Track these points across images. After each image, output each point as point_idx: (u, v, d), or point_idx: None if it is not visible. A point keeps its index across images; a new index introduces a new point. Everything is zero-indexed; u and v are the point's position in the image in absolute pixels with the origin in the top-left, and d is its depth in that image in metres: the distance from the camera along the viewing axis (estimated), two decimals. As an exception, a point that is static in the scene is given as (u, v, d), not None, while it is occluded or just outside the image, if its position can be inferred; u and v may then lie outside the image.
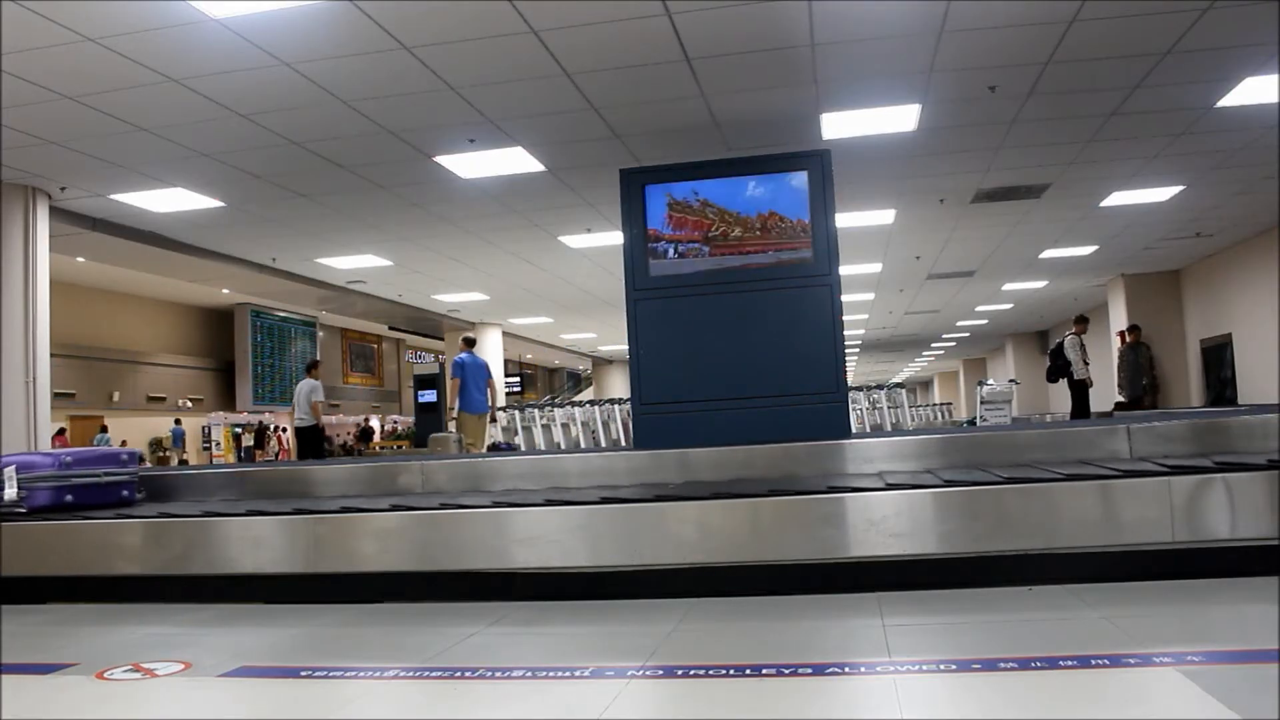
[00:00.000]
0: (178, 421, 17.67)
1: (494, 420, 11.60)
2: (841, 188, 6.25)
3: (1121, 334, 15.72)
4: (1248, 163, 8.56)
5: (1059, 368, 11.11)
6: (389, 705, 2.50)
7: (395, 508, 3.82)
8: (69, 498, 4.60)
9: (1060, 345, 11.14)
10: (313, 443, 11.24)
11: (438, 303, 15.05)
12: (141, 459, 5.55)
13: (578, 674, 2.57)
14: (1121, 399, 14.03)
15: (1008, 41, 5.61)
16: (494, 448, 11.16)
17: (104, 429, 16.41)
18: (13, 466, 4.51)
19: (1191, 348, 15.22)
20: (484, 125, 6.66)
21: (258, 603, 3.82)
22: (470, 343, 10.96)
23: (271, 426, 19.46)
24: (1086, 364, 10.92)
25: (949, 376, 42.94)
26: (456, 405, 10.24)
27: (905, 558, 3.34)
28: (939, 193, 9.18)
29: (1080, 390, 10.95)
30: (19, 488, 4.45)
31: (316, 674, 2.69)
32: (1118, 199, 9.78)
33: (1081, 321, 11.32)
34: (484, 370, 10.52)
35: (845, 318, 5.62)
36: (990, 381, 14.06)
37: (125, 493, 4.87)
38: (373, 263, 11.43)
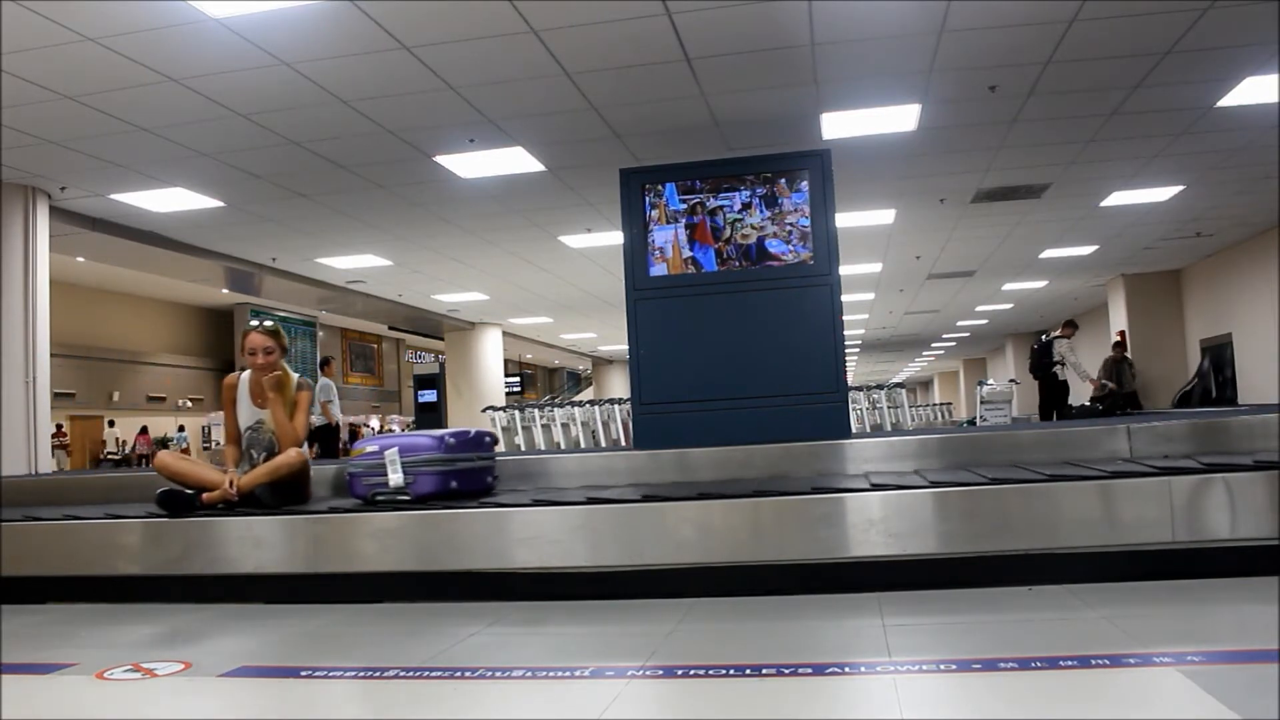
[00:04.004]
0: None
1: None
2: (841, 188, 6.25)
3: (1121, 332, 15.71)
4: (1248, 163, 8.56)
5: (1043, 365, 11.20)
6: (388, 705, 2.50)
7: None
8: (454, 484, 4.00)
9: (1047, 344, 11.22)
10: (324, 443, 11.25)
11: (438, 303, 15.05)
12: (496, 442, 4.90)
13: (578, 674, 2.56)
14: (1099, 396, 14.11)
15: (1008, 41, 5.61)
16: None
17: (144, 430, 16.39)
18: (395, 449, 3.95)
19: (1191, 348, 15.21)
20: (484, 125, 6.66)
21: (258, 602, 3.82)
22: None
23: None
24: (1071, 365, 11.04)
25: (949, 376, 42.95)
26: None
27: (905, 558, 3.34)
28: (939, 193, 9.19)
29: (1063, 390, 11.07)
30: (404, 473, 3.94)
31: (317, 674, 2.69)
32: (1118, 199, 9.79)
33: (1070, 325, 11.44)
34: None
35: (845, 318, 5.62)
36: (990, 381, 14.09)
37: (489, 479, 4.34)
38: (373, 263, 11.44)
